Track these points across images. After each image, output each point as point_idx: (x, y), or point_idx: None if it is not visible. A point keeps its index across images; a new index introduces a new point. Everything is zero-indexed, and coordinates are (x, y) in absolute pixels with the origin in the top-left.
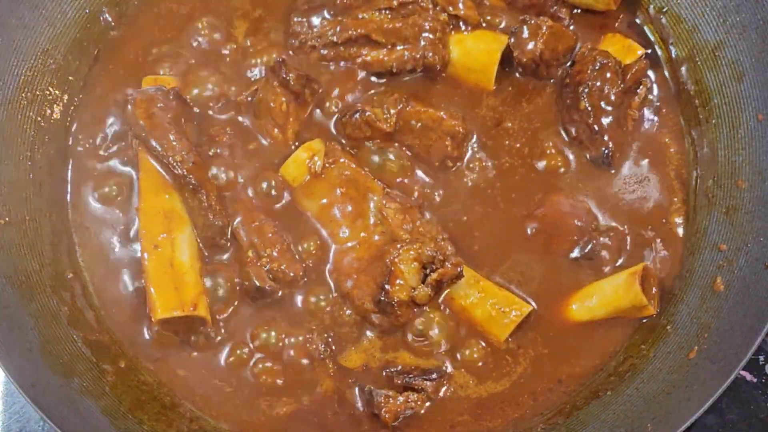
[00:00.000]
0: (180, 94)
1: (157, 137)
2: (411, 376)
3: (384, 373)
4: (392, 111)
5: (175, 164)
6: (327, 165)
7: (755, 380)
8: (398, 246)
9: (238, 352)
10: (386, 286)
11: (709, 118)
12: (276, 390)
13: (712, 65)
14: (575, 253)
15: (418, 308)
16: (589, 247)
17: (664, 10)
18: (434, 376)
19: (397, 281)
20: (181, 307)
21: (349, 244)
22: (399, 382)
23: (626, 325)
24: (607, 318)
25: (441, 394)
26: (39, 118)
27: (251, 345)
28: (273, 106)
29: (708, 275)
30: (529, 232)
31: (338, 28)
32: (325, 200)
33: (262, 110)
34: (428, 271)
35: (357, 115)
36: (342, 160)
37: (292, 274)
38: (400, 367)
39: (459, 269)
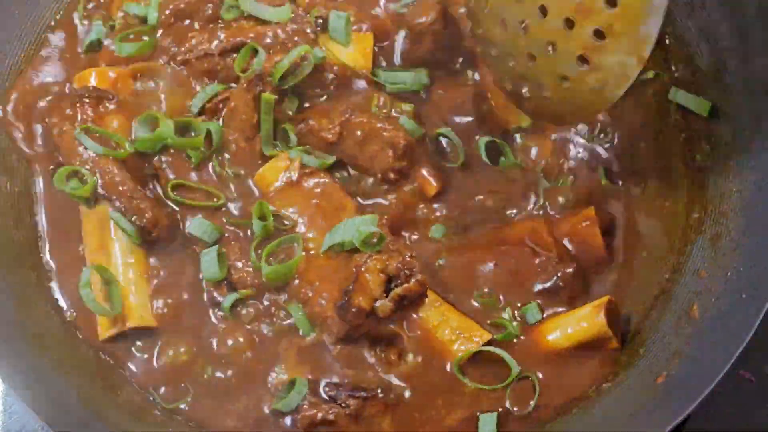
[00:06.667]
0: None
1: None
2: (339, 389)
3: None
4: (336, 121)
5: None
6: (304, 174)
7: (755, 380)
8: (366, 255)
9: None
10: (349, 292)
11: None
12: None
13: (713, 88)
14: (538, 286)
15: (378, 321)
16: (555, 278)
17: (668, 30)
18: (362, 394)
19: (360, 291)
20: (115, 325)
21: (313, 252)
22: (326, 392)
23: (594, 358)
24: (569, 350)
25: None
26: None
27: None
28: (244, 118)
29: (686, 301)
30: (494, 261)
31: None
32: (295, 208)
33: (232, 120)
34: (393, 285)
35: (302, 124)
36: (318, 171)
37: (257, 281)
38: (333, 378)
39: (423, 288)
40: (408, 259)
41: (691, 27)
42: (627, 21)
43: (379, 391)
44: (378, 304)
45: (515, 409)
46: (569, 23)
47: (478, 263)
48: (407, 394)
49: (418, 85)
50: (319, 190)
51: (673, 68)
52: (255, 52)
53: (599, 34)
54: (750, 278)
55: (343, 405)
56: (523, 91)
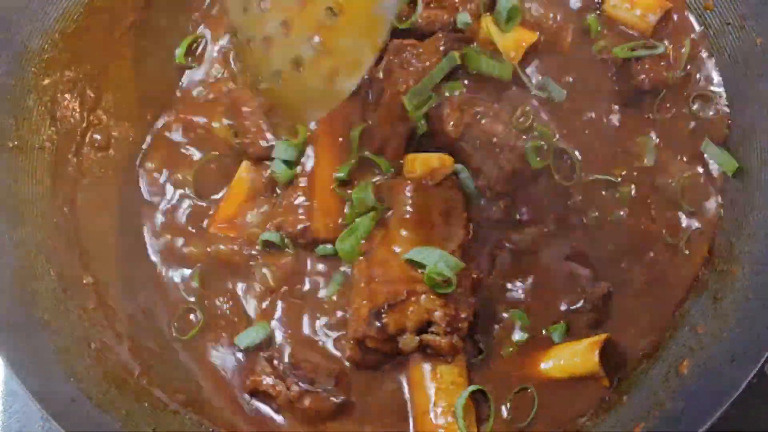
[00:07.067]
0: None
1: None
2: (294, 371)
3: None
4: (464, 119)
5: None
6: (442, 182)
7: (755, 381)
8: (425, 290)
9: None
10: (388, 307)
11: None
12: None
13: (742, 147)
14: (562, 307)
15: (395, 350)
16: (579, 303)
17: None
18: (305, 386)
19: (399, 313)
20: None
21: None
22: (282, 366)
23: (584, 391)
24: (561, 381)
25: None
26: None
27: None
28: (427, 65)
29: (678, 355)
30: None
31: None
32: (410, 209)
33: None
34: (429, 330)
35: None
36: (457, 190)
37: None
38: (300, 355)
39: (453, 351)
40: (459, 317)
41: (731, 81)
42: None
43: (323, 392)
44: (405, 336)
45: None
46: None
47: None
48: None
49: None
50: (443, 206)
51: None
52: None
53: (333, 12)
54: (744, 342)
55: (288, 387)
56: (260, 85)
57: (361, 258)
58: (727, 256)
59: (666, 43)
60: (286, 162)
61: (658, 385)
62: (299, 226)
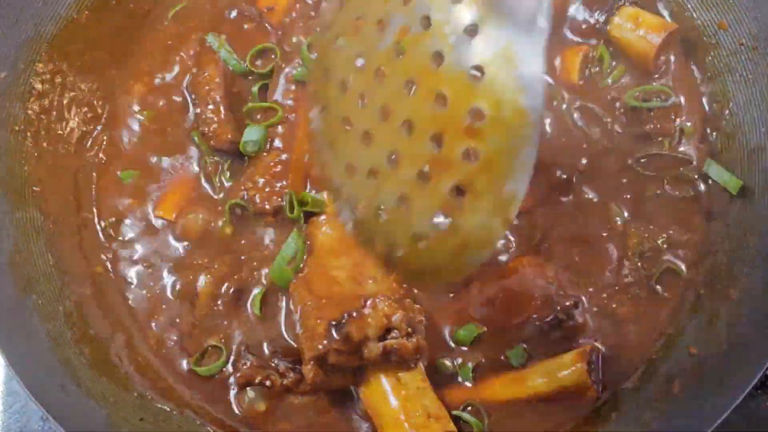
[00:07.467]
0: None
1: None
2: (283, 358)
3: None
4: None
5: None
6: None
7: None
8: (379, 296)
9: None
10: (348, 316)
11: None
12: None
13: (747, 167)
14: (533, 325)
15: (356, 365)
16: (550, 318)
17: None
18: (299, 367)
19: (360, 320)
20: None
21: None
22: (269, 357)
23: (570, 408)
24: (550, 395)
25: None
26: None
27: None
28: None
29: (669, 375)
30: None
31: None
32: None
33: None
34: (389, 337)
35: None
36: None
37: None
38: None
39: (417, 353)
40: (417, 319)
41: (740, 100)
42: (490, 178)
43: None
44: (369, 344)
45: None
46: (424, 177)
47: (475, 296)
48: None
49: None
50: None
51: (712, 139)
52: None
53: (459, 191)
54: (734, 365)
55: (283, 374)
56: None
57: (295, 281)
58: (725, 277)
59: (674, 96)
60: (254, 142)
61: (648, 404)
62: (268, 205)
